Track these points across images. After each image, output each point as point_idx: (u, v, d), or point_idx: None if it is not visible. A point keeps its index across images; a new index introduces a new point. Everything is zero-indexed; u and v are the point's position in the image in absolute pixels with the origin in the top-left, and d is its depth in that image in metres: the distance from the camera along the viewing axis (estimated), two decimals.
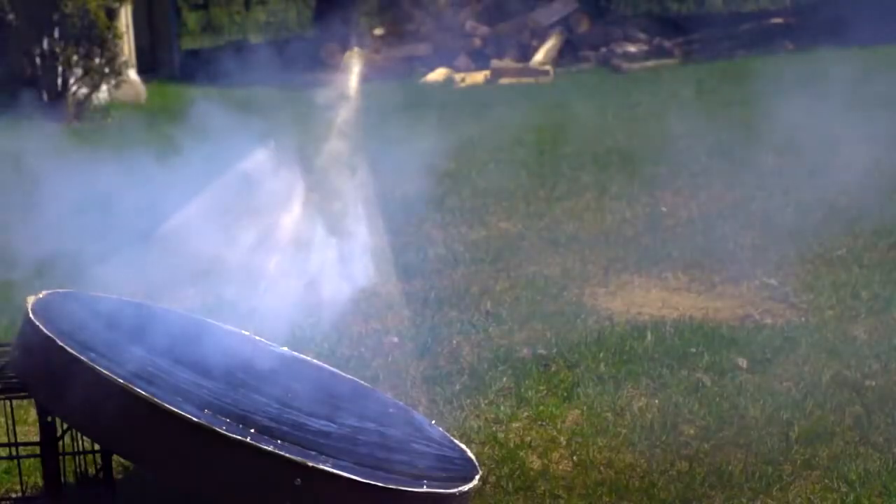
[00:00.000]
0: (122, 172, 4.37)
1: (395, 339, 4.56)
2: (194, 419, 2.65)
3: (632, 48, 14.33)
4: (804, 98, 10.17)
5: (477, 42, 14.55)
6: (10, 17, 11.49)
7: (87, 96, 11.67)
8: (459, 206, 6.80)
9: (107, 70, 11.71)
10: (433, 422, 3.48)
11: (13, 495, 3.37)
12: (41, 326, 2.83)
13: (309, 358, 3.76)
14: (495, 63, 13.64)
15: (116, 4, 11.86)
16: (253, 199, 4.22)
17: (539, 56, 14.00)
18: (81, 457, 3.27)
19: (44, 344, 2.80)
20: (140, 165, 4.42)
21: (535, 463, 3.46)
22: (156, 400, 2.66)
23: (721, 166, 7.53)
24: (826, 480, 3.26)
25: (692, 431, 3.62)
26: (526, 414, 3.82)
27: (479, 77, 13.28)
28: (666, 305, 4.91)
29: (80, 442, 3.24)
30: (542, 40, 14.37)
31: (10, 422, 3.19)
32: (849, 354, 4.17)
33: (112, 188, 4.32)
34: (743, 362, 4.15)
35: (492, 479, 3.36)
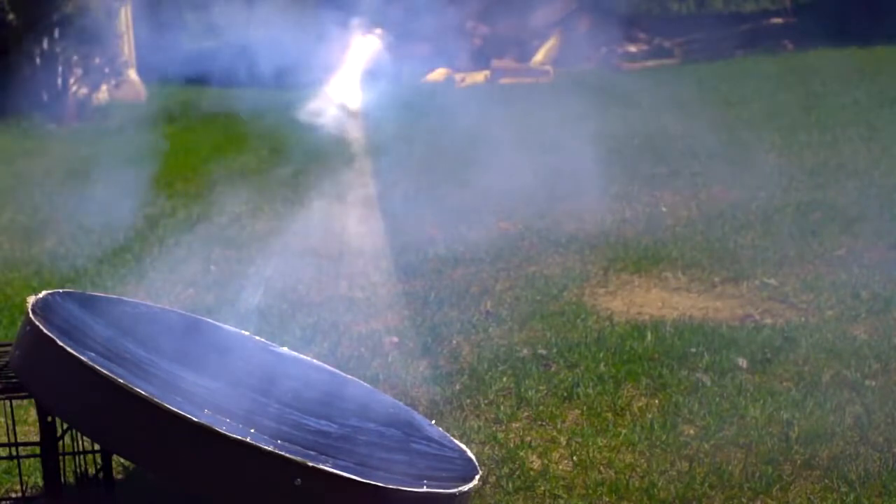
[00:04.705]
0: None
1: (395, 339, 4.56)
2: (194, 419, 2.65)
3: (632, 48, 14.34)
4: (802, 97, 10.19)
5: (477, 42, 14.55)
6: (10, 17, 11.49)
7: (87, 96, 11.67)
8: (460, 205, 6.80)
9: (107, 70, 11.71)
10: (433, 422, 3.48)
11: (13, 495, 3.37)
12: (41, 326, 2.83)
13: (309, 358, 3.76)
14: (495, 63, 13.64)
15: (116, 4, 11.86)
16: None
17: (539, 56, 14.00)
18: (81, 457, 3.27)
19: (44, 344, 2.80)
20: None
21: (535, 463, 3.46)
22: (156, 400, 2.65)
23: (721, 166, 7.53)
24: (826, 480, 3.26)
25: (692, 431, 3.62)
26: (526, 414, 3.82)
27: (479, 77, 13.28)
28: (666, 305, 4.91)
29: (80, 442, 3.24)
30: (542, 40, 14.37)
31: (10, 422, 3.19)
32: (849, 354, 4.17)
33: None
34: (743, 362, 4.15)
35: (492, 479, 3.36)
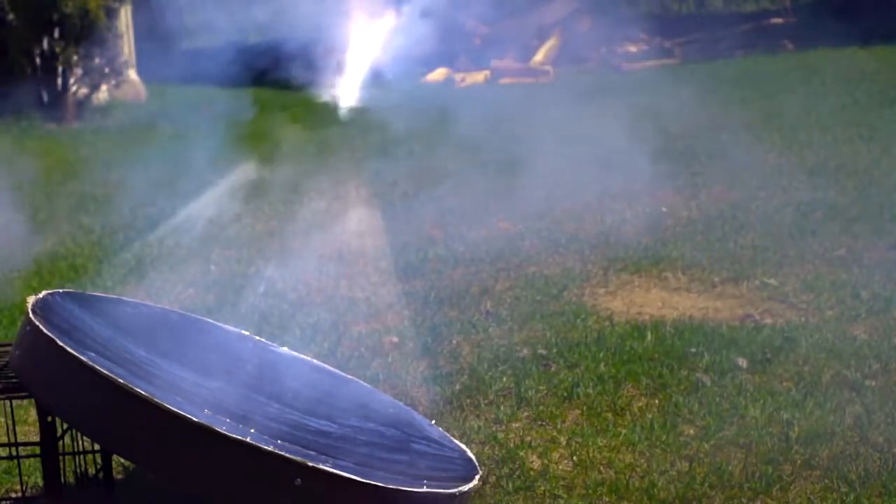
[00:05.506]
0: None
1: (395, 339, 4.56)
2: (194, 419, 2.65)
3: (632, 48, 14.33)
4: (802, 97, 10.19)
5: (477, 42, 14.54)
6: (10, 17, 11.49)
7: (87, 96, 11.67)
8: (459, 205, 6.81)
9: (107, 70, 11.72)
10: (433, 422, 3.48)
11: (13, 495, 3.37)
12: (41, 326, 2.83)
13: (309, 358, 3.76)
14: (495, 63, 13.63)
15: (116, 4, 11.86)
16: None
17: (539, 56, 13.99)
18: (81, 457, 3.27)
19: (44, 344, 2.80)
20: None
21: (535, 463, 3.46)
22: (156, 400, 2.66)
23: (721, 166, 7.53)
24: (826, 480, 3.26)
25: (692, 431, 3.62)
26: (526, 414, 3.82)
27: (479, 77, 13.27)
28: (666, 305, 4.91)
29: (80, 442, 3.24)
30: (542, 40, 14.36)
31: (10, 422, 3.19)
32: (849, 354, 4.17)
33: None
34: (743, 362, 4.15)
35: (492, 479, 3.36)
